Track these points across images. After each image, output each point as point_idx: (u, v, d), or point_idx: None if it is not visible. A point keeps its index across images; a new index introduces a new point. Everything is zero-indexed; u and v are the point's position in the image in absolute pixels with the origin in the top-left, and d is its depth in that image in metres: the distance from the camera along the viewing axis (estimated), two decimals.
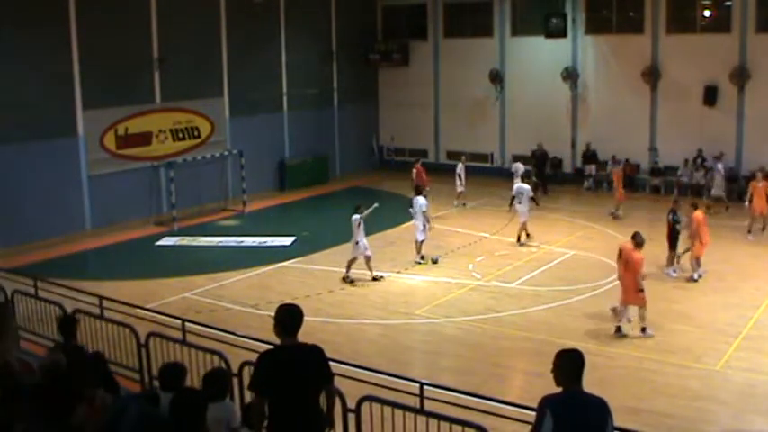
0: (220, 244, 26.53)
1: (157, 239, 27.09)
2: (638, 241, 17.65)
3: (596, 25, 34.59)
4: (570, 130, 35.36)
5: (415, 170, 31.02)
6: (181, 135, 30.83)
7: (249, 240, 26.75)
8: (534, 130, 35.48)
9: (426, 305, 19.93)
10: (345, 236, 26.00)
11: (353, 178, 37.51)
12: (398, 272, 22.71)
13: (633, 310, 17.73)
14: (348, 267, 22.09)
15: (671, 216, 21.94)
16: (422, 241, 23.64)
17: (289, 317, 7.76)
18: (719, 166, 29.98)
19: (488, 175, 36.43)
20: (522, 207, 25.67)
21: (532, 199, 26.41)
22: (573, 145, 34.55)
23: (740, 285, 21.14)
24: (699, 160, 31.77)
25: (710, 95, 31.69)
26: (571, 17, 34.23)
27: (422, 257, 23.63)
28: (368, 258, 22.01)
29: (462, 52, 37.83)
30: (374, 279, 21.89)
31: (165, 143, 30.20)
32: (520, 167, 30.68)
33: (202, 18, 31.37)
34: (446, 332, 18.22)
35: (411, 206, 24.53)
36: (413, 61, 39.21)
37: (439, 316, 19.15)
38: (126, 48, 28.54)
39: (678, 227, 21.81)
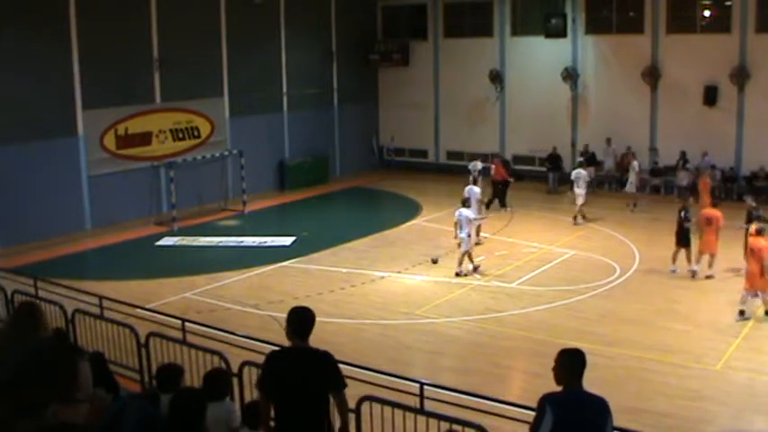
0: (220, 244, 26.53)
1: (157, 239, 27.06)
2: (758, 229, 18.69)
3: (596, 25, 34.57)
4: (570, 131, 35.35)
5: (493, 165, 31.15)
6: (181, 135, 30.85)
7: (249, 240, 26.75)
8: (534, 131, 35.56)
9: (426, 305, 19.92)
10: (345, 236, 26.46)
11: (353, 178, 37.57)
12: (398, 272, 22.68)
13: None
14: (461, 262, 22.17)
15: (682, 214, 21.96)
16: (465, 252, 22.28)
17: (299, 319, 7.72)
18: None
19: (488, 175, 36.07)
20: (580, 190, 27.36)
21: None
22: (573, 145, 34.52)
23: (740, 285, 21.05)
24: (681, 162, 31.70)
25: (710, 95, 31.70)
26: (571, 17, 34.21)
27: (472, 269, 22.41)
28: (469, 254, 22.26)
29: (462, 52, 37.82)
30: (475, 269, 22.24)
31: (165, 143, 30.22)
32: (478, 165, 30.49)
33: (202, 18, 31.40)
34: (446, 332, 18.21)
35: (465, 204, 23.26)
36: (413, 61, 39.18)
37: (439, 316, 19.14)
38: (126, 48, 28.58)
39: (688, 225, 21.81)
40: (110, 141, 28.45)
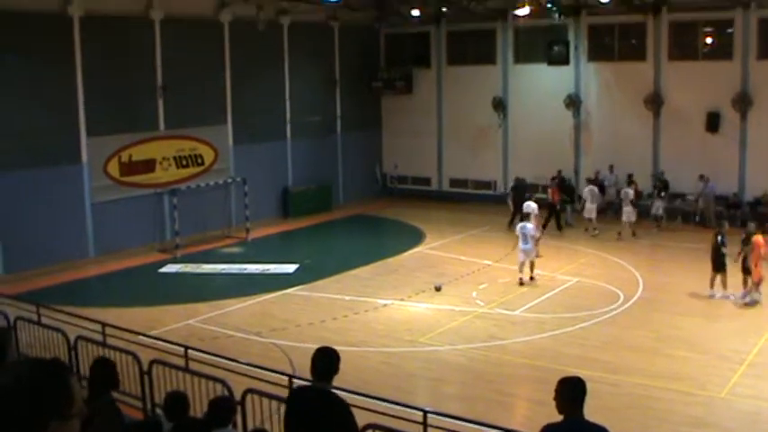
0: (223, 271, 26.51)
1: (161, 266, 27.05)
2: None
3: (599, 52, 34.72)
4: (573, 158, 35.42)
5: (550, 190, 31.70)
6: (184, 162, 30.91)
7: (252, 267, 26.72)
8: (538, 158, 35.53)
9: (430, 333, 19.85)
10: (349, 263, 26.43)
11: (357, 206, 37.52)
12: (402, 299, 22.62)
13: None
14: (521, 268, 23.88)
15: (718, 239, 21.88)
16: (522, 262, 24.05)
17: (318, 360, 7.63)
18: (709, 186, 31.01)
19: (491, 202, 36.44)
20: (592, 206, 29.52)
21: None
22: (576, 172, 34.52)
23: (744, 311, 21.13)
24: (656, 190, 31.53)
25: (713, 122, 31.76)
26: (574, 44, 34.43)
27: (522, 281, 24.01)
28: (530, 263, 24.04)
29: (465, 80, 37.96)
30: (531, 279, 23.89)
31: (168, 170, 30.27)
32: (533, 207, 28.78)
33: (206, 45, 31.58)
34: (449, 360, 18.17)
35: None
36: (416, 89, 39.30)
37: (442, 343, 19.09)
38: (130, 75, 28.72)
39: (725, 250, 21.76)
40: (113, 168, 28.49)
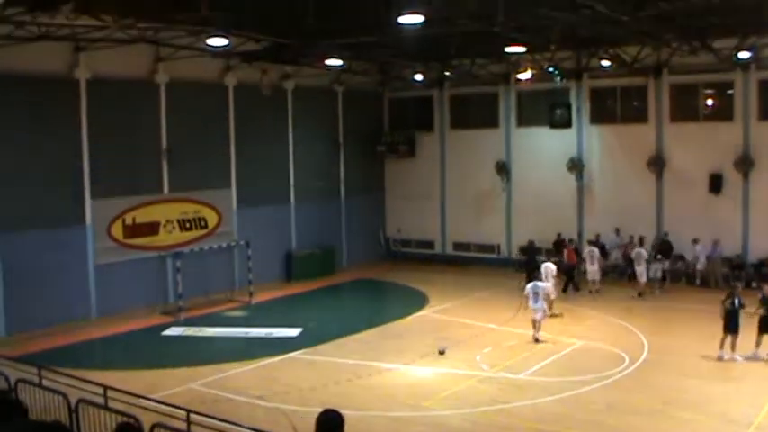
0: (227, 334, 26.37)
1: (164, 329, 26.91)
2: None
3: (601, 115, 34.97)
4: (577, 221, 35.39)
5: (566, 250, 31.84)
6: (188, 225, 30.96)
7: (255, 331, 26.54)
8: (541, 222, 35.49)
9: (433, 397, 19.61)
10: (352, 327, 26.28)
11: (360, 269, 37.46)
12: (405, 363, 22.37)
13: None
14: (535, 325, 24.28)
15: (733, 300, 21.69)
16: (534, 319, 24.46)
17: (322, 423, 7.45)
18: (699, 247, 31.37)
19: (495, 266, 36.56)
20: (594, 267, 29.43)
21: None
22: (580, 235, 34.45)
23: (752, 372, 20.95)
24: (654, 253, 31.52)
25: (716, 183, 31.91)
26: (576, 107, 34.75)
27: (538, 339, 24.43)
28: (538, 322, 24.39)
29: (468, 143, 38.17)
30: (536, 340, 24.18)
31: (172, 233, 30.33)
32: (551, 268, 28.54)
33: (210, 109, 31.82)
34: (454, 424, 17.87)
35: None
36: (419, 152, 39.55)
37: (446, 408, 18.80)
38: (135, 138, 28.96)
39: (743, 311, 21.63)
40: (117, 231, 28.54)
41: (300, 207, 35.84)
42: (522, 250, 33.29)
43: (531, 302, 24.37)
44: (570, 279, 31.07)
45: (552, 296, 26.48)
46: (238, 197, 32.90)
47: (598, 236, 33.12)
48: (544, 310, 24.60)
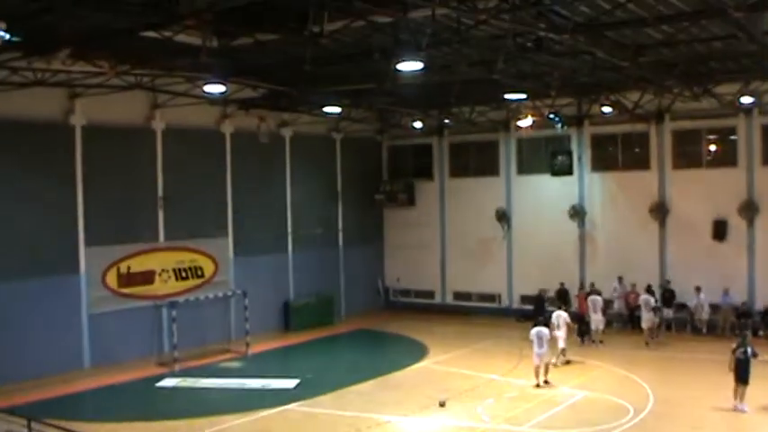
0: (222, 386, 26.08)
1: (158, 380, 26.62)
2: None
3: (602, 162, 35.05)
4: (579, 269, 35.24)
5: (577, 298, 32.07)
6: (184, 274, 30.82)
7: (252, 382, 26.27)
8: (542, 270, 35.38)
9: None
10: (351, 379, 26.03)
11: (359, 320, 37.26)
12: (405, 416, 22.07)
13: None
14: (537, 372, 24.67)
15: (745, 350, 21.44)
16: (537, 366, 24.81)
17: None
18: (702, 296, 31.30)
19: (496, 315, 36.47)
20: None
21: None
22: (582, 285, 34.05)
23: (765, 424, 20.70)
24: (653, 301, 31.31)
25: (720, 230, 31.86)
26: (577, 155, 34.82)
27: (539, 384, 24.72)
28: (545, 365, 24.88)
29: (468, 191, 38.24)
30: (546, 382, 24.60)
31: (167, 282, 30.17)
32: (563, 316, 28.28)
33: (207, 157, 31.85)
34: None
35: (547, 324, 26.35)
36: (419, 201, 39.59)
37: None
38: (130, 185, 28.95)
39: (754, 359, 21.41)
40: (112, 279, 28.39)
41: (298, 256, 35.75)
42: (535, 299, 33.16)
43: (535, 347, 24.61)
44: (584, 328, 30.81)
45: (562, 344, 26.96)
46: (235, 246, 32.81)
47: (592, 284, 32.78)
48: (546, 355, 24.90)
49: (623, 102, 31.62)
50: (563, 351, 27.15)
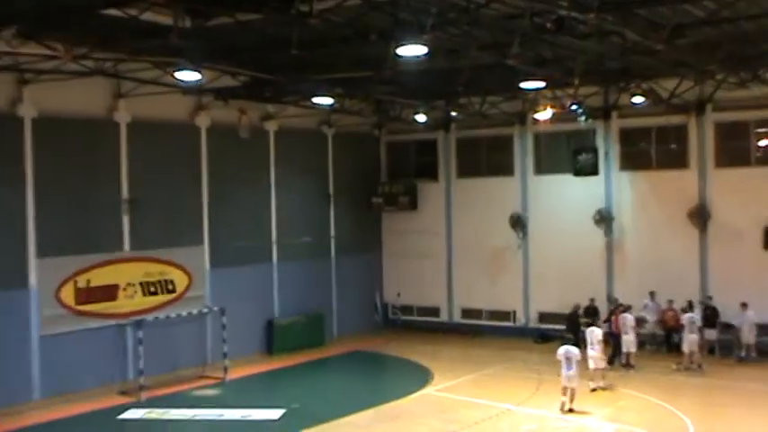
0: (196, 417, 25.96)
1: (121, 412, 26.36)
2: None
3: (633, 160, 34.89)
4: (606, 283, 35.12)
5: (614, 317, 31.55)
6: (152, 289, 30.64)
7: (230, 413, 26.19)
8: (563, 284, 35.33)
9: None
10: (344, 408, 25.98)
11: (354, 341, 37.32)
12: None
13: None
14: (564, 392, 24.86)
15: None
16: (565, 387, 24.92)
17: None
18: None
19: (511, 336, 36.53)
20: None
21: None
22: (609, 299, 33.97)
23: None
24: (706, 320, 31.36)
25: None
26: (603, 151, 34.66)
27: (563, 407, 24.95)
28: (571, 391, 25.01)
29: (479, 194, 38.22)
30: (570, 411, 24.63)
31: (133, 298, 29.96)
32: (596, 333, 28.49)
33: (180, 154, 31.68)
34: None
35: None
36: (422, 205, 39.56)
37: None
38: (90, 186, 28.65)
39: None
40: (68, 295, 28.09)
41: (284, 267, 35.72)
42: (568, 316, 32.91)
43: (563, 369, 24.72)
44: (618, 349, 30.86)
45: (600, 365, 27.17)
46: (212, 256, 32.73)
47: (616, 300, 32.79)
48: (576, 378, 24.96)
49: (657, 90, 31.34)
50: (600, 373, 27.23)
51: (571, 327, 31.09)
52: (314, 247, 37.29)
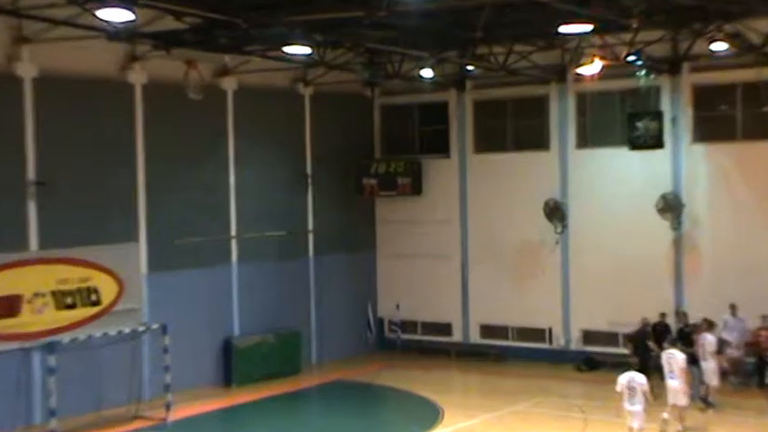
0: None
1: None
2: None
3: (711, 129, 34.44)
4: (673, 291, 34.62)
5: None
6: (69, 300, 29.95)
7: None
8: (616, 294, 35.14)
9: None
10: None
11: (338, 367, 37.43)
12: None
13: None
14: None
15: None
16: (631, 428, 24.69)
17: None
18: None
19: (545, 360, 36.64)
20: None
21: None
22: (678, 313, 33.28)
23: None
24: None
25: None
26: (670, 117, 34.08)
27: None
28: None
29: (503, 174, 37.96)
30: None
31: (42, 313, 29.18)
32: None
33: (106, 120, 31.07)
34: None
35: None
36: (428, 188, 39.25)
37: None
38: None
39: None
40: None
41: (247, 271, 35.49)
42: (631, 338, 32.42)
43: (626, 403, 24.32)
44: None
45: (681, 401, 26.66)
46: (150, 256, 32.31)
47: (684, 314, 32.29)
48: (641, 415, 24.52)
49: (745, 35, 30.87)
50: (679, 411, 26.75)
51: (639, 349, 30.82)
52: (286, 244, 37.13)
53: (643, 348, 30.69)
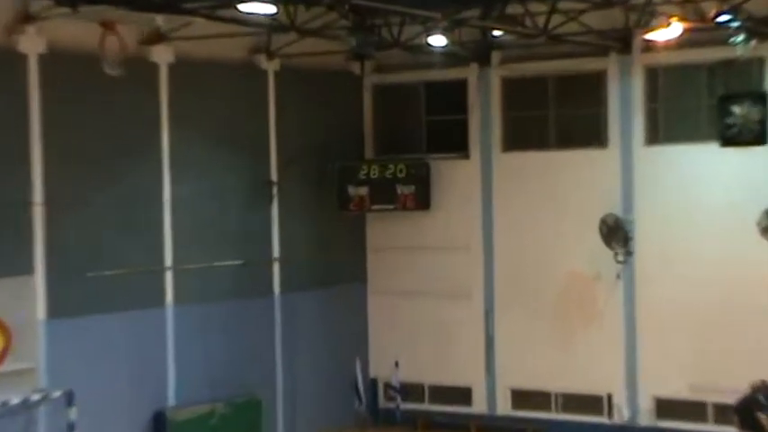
0: None
1: None
2: None
3: None
4: None
5: None
6: None
7: None
8: (702, 345, 33.65)
9: None
10: None
11: None
12: None
13: None
14: None
15: None
16: None
17: None
18: None
19: None
20: None
21: None
22: None
23: None
24: None
25: None
26: None
27: None
28: None
29: (542, 182, 36.64)
30: None
31: None
32: None
33: None
34: None
35: None
36: (439, 201, 38.04)
37: None
38: None
39: None
40: None
41: (188, 315, 33.67)
42: (739, 410, 30.83)
43: None
44: None
45: None
46: (50, 296, 30.25)
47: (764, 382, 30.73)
48: None
49: None
50: None
51: (747, 422, 29.38)
52: (242, 277, 35.68)
53: (753, 423, 29.17)
